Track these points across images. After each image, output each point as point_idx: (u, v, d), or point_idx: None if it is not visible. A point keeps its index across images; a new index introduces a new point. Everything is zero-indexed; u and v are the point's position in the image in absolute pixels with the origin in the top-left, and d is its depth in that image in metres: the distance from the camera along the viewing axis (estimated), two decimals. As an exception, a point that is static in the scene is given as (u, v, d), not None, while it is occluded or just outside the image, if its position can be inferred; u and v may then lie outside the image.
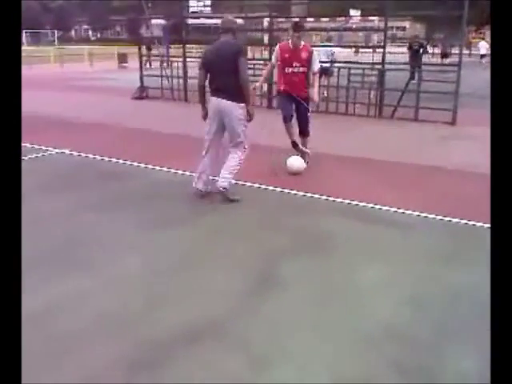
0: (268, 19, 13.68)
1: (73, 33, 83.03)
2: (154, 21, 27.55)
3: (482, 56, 35.00)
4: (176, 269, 3.81)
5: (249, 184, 5.91)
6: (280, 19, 17.00)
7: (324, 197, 5.47)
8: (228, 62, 5.10)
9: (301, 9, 18.79)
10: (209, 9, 31.07)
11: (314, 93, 6.41)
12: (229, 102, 5.16)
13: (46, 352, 2.77)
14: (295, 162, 6.39)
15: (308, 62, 6.34)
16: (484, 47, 36.58)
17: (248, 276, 3.68)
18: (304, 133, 6.66)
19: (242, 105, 5.19)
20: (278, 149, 7.16)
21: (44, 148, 7.55)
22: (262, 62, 13.77)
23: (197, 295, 3.41)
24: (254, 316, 3.15)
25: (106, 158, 7.03)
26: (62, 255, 4.03)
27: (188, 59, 13.46)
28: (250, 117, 5.27)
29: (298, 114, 6.48)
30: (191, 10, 27.38)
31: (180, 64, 13.50)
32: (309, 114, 6.53)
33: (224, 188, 5.26)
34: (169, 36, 22.86)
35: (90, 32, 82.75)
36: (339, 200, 5.38)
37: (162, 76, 13.74)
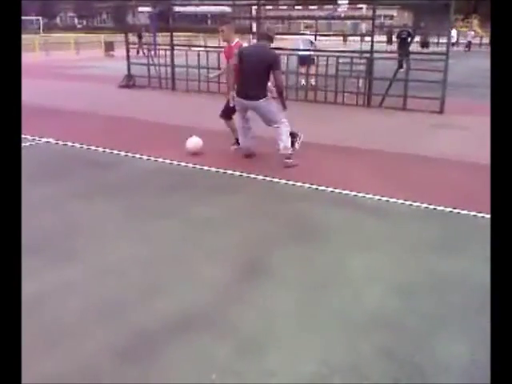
0: (256, 7, 13.59)
1: (58, 20, 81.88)
2: (140, 8, 27.27)
3: (468, 44, 35.19)
4: (165, 258, 3.80)
5: (238, 173, 5.90)
6: (268, 7, 16.90)
7: (308, 185, 5.48)
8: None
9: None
10: (196, -4, 30.76)
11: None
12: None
13: (35, 341, 2.76)
14: (190, 142, 6.64)
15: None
16: (470, 35, 36.83)
17: (236, 264, 3.68)
18: None
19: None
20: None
21: (30, 137, 7.46)
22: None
23: (186, 284, 3.41)
24: (242, 303, 3.16)
25: (93, 147, 6.98)
26: (50, 245, 4.01)
27: (175, 47, 13.35)
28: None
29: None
30: (178, -3, 27.11)
31: (168, 52, 13.40)
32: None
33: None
34: (156, 24, 22.64)
35: (76, 20, 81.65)
36: (323, 188, 5.40)
37: (149, 64, 13.62)
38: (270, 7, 16.88)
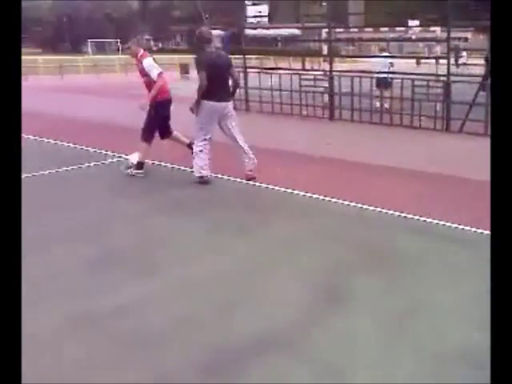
0: (326, 30, 13.64)
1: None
2: (213, 31, 28.09)
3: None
4: (244, 275, 3.85)
5: (315, 196, 5.90)
6: (338, 30, 16.92)
7: (391, 212, 5.37)
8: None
9: (358, 19, 18.67)
10: (266, 19, 31.28)
11: None
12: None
13: (115, 354, 2.86)
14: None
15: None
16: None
17: (317, 287, 3.66)
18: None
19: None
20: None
21: (111, 154, 7.83)
22: (321, 72, 13.75)
23: (266, 303, 3.43)
24: (323, 327, 3.13)
25: (170, 165, 7.20)
26: (133, 257, 4.16)
27: (248, 69, 13.64)
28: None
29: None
30: (249, 20, 27.73)
31: (241, 74, 13.69)
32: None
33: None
34: (228, 46, 23.23)
35: (152, 42, 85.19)
36: (398, 214, 5.26)
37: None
38: (341, 30, 16.84)
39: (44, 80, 23.04)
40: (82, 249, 4.34)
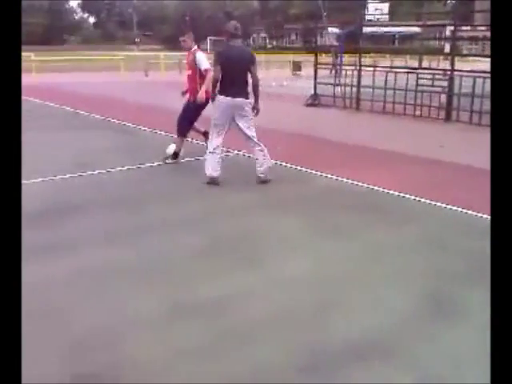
0: (451, 28, 12.98)
1: (251, 40, 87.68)
2: (330, 29, 27.90)
3: None
4: (344, 277, 3.79)
5: (423, 200, 5.66)
6: (464, 28, 16.05)
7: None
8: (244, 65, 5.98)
9: (485, 17, 17.55)
10: (386, 17, 30.49)
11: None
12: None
13: (212, 344, 2.93)
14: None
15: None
16: None
17: (418, 295, 3.51)
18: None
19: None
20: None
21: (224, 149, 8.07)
22: (441, 71, 13.14)
23: (366, 308, 3.35)
24: (425, 338, 2.99)
25: (277, 162, 7.28)
26: (232, 250, 4.26)
27: (362, 67, 13.39)
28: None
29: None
30: (368, 18, 27.18)
31: (351, 72, 13.50)
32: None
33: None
34: (343, 44, 22.96)
35: (267, 40, 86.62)
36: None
37: (335, 84, 13.83)
38: (468, 28, 15.96)
39: (164, 76, 24.31)
40: (184, 239, 4.52)
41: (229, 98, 5.92)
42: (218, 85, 5.98)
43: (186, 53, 7.30)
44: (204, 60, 6.84)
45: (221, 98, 5.95)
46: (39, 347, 2.86)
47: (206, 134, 7.09)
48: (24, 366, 2.66)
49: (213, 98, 6.08)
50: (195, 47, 7.04)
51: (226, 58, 5.99)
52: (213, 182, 6.10)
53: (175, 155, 7.18)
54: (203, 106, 6.87)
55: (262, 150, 6.17)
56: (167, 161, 7.19)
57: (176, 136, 7.20)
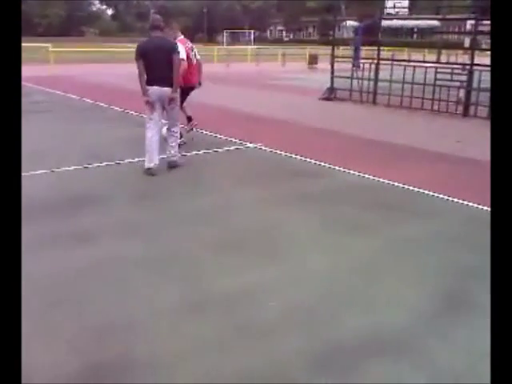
0: (472, 21, 12.78)
1: (268, 33, 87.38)
2: (348, 22, 27.71)
3: None
4: (359, 274, 3.77)
5: (446, 198, 5.61)
6: (485, 22, 15.78)
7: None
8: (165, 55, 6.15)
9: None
10: (406, 10, 30.13)
11: None
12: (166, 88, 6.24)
13: (233, 338, 2.94)
14: None
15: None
16: None
17: (435, 293, 3.49)
18: None
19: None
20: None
21: (237, 141, 8.08)
22: (460, 66, 12.97)
23: (380, 304, 3.33)
24: (440, 336, 2.97)
25: (296, 156, 7.26)
26: (251, 244, 4.26)
27: (380, 61, 13.26)
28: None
29: None
30: (387, 11, 26.90)
31: (368, 66, 13.39)
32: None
33: (175, 162, 6.53)
34: (361, 38, 22.78)
35: (284, 33, 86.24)
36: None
37: (352, 78, 13.73)
38: (489, 22, 15.66)
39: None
40: (201, 232, 4.54)
41: (155, 87, 6.16)
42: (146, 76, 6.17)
43: (201, 45, 7.49)
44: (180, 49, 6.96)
45: (150, 89, 6.18)
46: (53, 336, 2.90)
47: (189, 118, 8.06)
48: (38, 354, 2.72)
49: (143, 89, 6.20)
50: (180, 37, 7.42)
51: (144, 50, 6.16)
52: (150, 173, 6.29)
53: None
54: (185, 91, 7.43)
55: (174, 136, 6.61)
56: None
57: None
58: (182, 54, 6.83)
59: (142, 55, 6.11)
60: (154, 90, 6.14)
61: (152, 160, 6.23)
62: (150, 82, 6.13)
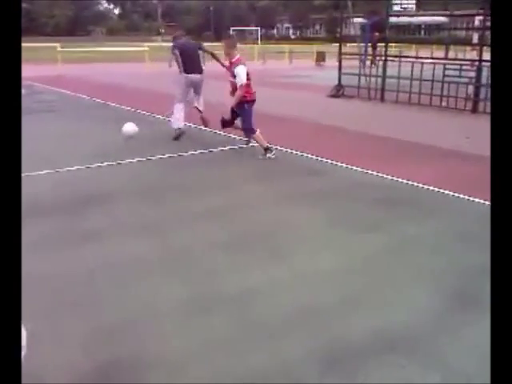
0: (480, 17, 12.68)
1: (275, 31, 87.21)
2: (355, 19, 27.56)
3: None
4: (367, 272, 3.75)
5: (456, 195, 5.57)
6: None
7: None
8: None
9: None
10: (413, 7, 29.96)
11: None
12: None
13: (242, 337, 2.93)
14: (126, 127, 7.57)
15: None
16: None
17: (445, 291, 3.46)
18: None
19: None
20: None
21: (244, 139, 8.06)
22: (468, 62, 12.87)
23: (389, 303, 3.30)
24: (450, 335, 2.94)
25: (302, 153, 7.24)
26: (257, 242, 4.25)
27: (388, 58, 13.20)
28: None
29: None
30: (394, 8, 26.75)
31: (376, 62, 13.34)
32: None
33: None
34: (368, 35, 22.64)
35: (291, 30, 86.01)
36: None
37: (359, 75, 13.68)
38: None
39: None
40: (210, 231, 4.54)
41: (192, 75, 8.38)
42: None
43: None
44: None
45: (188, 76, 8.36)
46: (65, 336, 2.90)
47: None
48: (50, 353, 2.72)
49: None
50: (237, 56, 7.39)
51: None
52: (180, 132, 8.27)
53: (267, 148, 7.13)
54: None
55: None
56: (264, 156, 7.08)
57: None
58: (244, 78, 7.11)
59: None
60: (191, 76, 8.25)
61: (181, 123, 8.21)
62: (187, 71, 8.21)
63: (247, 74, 7.14)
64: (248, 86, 7.15)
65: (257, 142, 7.18)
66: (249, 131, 7.23)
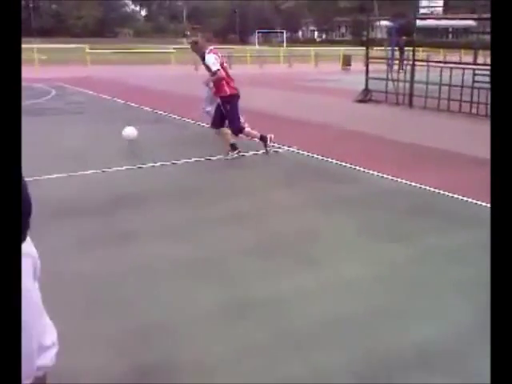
0: None
1: (300, 34, 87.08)
2: (382, 22, 27.37)
3: None
4: (397, 283, 3.71)
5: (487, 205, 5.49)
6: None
7: None
8: None
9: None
10: (440, 9, 29.62)
11: None
12: None
13: (273, 344, 2.92)
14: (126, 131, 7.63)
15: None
16: None
17: (482, 305, 3.41)
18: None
19: None
20: None
21: (276, 145, 8.08)
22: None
23: (425, 317, 3.25)
24: (486, 351, 2.90)
25: (330, 159, 7.22)
26: (287, 250, 4.25)
27: (416, 62, 13.06)
28: None
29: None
30: (421, 11, 26.47)
31: (407, 67, 13.21)
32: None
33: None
34: (395, 38, 22.46)
35: (316, 33, 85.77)
36: None
37: (387, 79, 13.56)
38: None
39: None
40: (239, 236, 4.56)
41: None
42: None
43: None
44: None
45: None
46: (98, 338, 2.94)
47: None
48: (81, 357, 2.76)
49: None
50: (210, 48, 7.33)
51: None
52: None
53: (233, 147, 7.31)
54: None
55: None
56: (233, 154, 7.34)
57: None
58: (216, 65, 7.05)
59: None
60: None
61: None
62: None
63: (221, 65, 7.14)
64: (228, 77, 7.19)
65: (224, 139, 7.33)
66: (238, 131, 7.29)
